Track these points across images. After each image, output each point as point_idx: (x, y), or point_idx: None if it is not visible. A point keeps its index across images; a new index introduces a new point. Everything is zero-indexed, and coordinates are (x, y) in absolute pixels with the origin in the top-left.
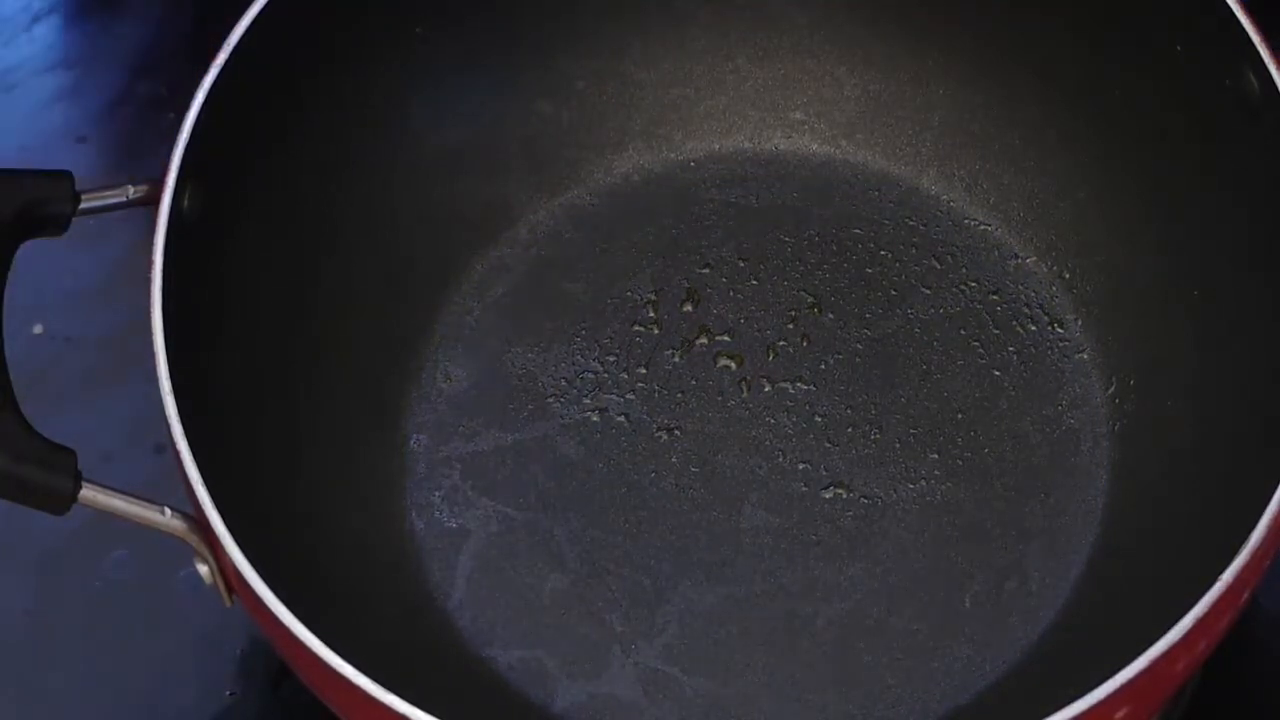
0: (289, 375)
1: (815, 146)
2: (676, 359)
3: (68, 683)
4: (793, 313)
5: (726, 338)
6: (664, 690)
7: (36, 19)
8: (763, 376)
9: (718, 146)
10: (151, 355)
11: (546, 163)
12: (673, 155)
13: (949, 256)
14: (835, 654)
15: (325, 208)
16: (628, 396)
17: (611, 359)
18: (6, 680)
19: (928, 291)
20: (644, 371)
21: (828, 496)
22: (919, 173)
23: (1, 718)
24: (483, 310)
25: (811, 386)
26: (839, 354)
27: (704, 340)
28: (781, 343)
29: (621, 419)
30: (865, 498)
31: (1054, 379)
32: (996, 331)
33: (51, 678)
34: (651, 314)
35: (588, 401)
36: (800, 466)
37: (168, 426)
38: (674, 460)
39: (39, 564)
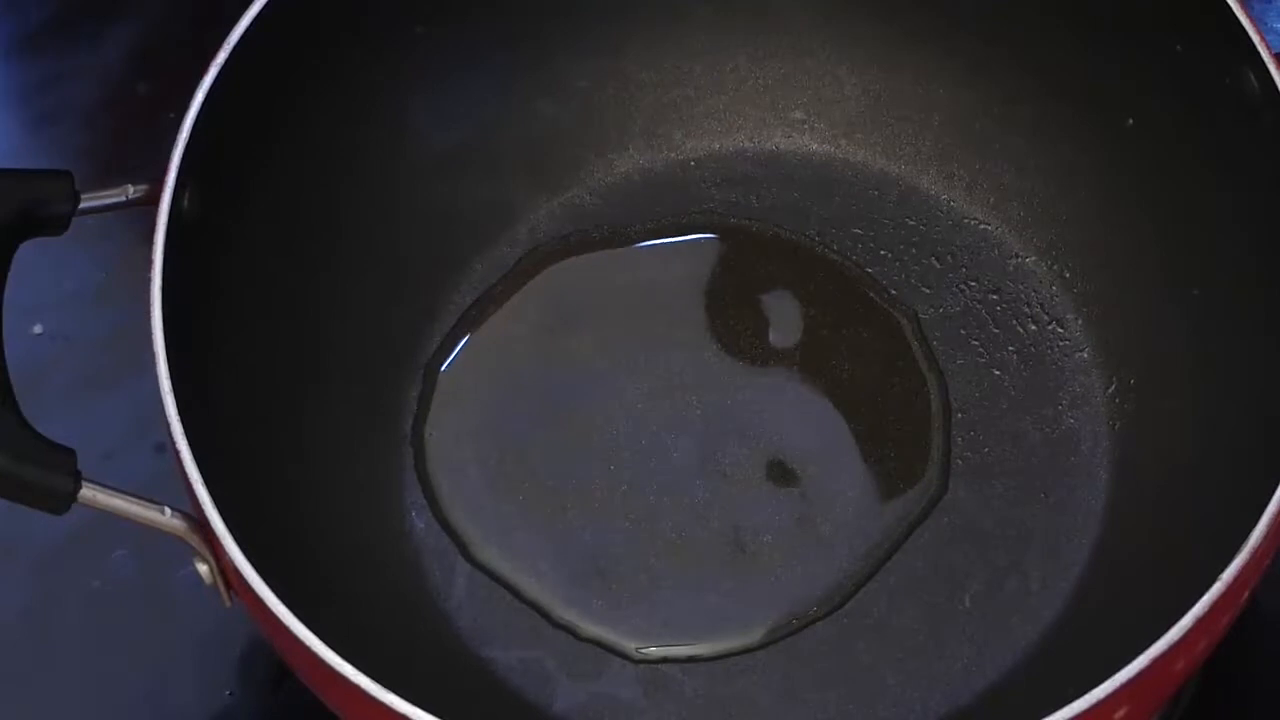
0: (289, 375)
1: (815, 146)
2: (679, 355)
3: (68, 683)
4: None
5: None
6: (664, 690)
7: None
8: (763, 373)
9: (718, 146)
10: (151, 355)
11: (546, 163)
12: (673, 155)
13: (949, 256)
14: (834, 653)
15: (325, 207)
16: (630, 394)
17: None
18: (6, 680)
19: (928, 291)
20: (645, 367)
21: (828, 496)
22: (919, 172)
23: (1, 718)
24: (482, 309)
25: (812, 384)
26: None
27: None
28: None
29: (623, 418)
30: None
31: (1054, 378)
32: (996, 331)
33: (51, 678)
34: None
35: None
36: (801, 464)
37: (168, 426)
38: (675, 456)
39: (39, 564)
